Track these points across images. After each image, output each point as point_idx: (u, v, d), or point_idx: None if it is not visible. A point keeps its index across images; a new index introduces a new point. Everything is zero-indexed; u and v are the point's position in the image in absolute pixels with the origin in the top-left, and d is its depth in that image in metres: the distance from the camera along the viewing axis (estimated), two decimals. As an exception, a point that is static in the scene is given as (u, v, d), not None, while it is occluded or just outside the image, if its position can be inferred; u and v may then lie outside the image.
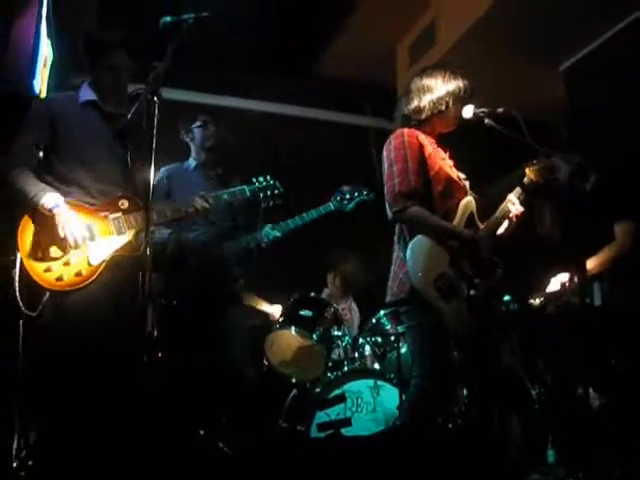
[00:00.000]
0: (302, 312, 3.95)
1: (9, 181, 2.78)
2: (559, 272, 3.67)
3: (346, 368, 3.91)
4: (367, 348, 4.07)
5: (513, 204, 2.81)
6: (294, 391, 3.87)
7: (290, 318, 3.98)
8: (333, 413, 3.51)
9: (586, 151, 3.67)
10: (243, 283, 3.88)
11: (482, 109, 2.85)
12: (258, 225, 3.68)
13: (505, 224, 2.84)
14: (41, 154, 2.88)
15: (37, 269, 2.69)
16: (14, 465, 2.85)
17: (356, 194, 3.81)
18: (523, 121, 2.78)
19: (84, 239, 2.73)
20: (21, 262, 2.72)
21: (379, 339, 4.10)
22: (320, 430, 3.40)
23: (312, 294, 4.15)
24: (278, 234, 3.71)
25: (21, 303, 2.71)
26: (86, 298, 2.71)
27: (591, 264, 3.46)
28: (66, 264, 2.72)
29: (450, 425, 3.04)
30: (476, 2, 4.83)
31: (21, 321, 2.95)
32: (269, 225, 3.70)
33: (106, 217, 2.82)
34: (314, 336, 3.87)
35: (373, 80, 5.88)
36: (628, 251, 3.48)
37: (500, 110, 2.85)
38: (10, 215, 2.82)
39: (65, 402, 2.61)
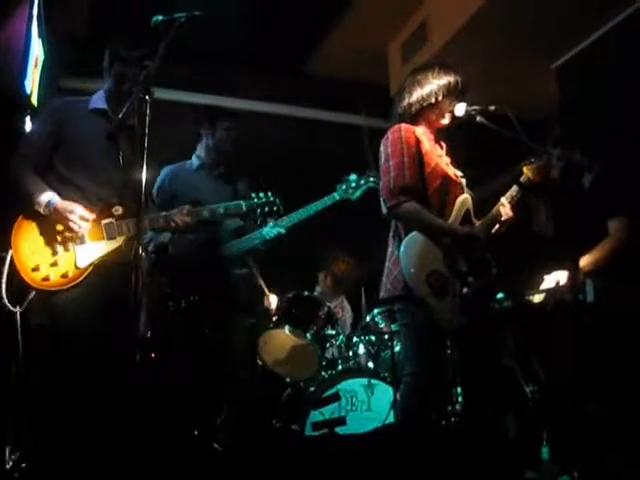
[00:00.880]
0: (295, 311, 3.94)
1: (12, 178, 2.83)
2: (553, 269, 3.67)
3: (340, 367, 3.92)
4: (361, 347, 4.07)
5: (504, 207, 2.81)
6: (288, 390, 3.86)
7: (284, 317, 3.97)
8: (327, 412, 3.52)
9: (579, 148, 3.65)
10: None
11: (474, 107, 2.85)
12: (261, 224, 3.65)
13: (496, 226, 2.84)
14: (46, 155, 2.90)
15: (26, 267, 2.72)
16: (7, 467, 2.85)
17: (362, 181, 3.79)
18: (515, 119, 2.79)
19: (87, 220, 2.76)
20: (11, 259, 2.74)
21: (373, 338, 4.11)
22: (314, 429, 3.40)
23: (306, 293, 4.14)
24: (282, 231, 3.70)
25: (6, 300, 2.73)
26: (74, 300, 2.72)
27: (585, 261, 3.46)
28: (53, 265, 2.75)
29: (444, 422, 3.03)
30: (468, 0, 4.83)
31: (18, 321, 2.94)
32: (271, 223, 3.67)
33: (98, 222, 2.83)
34: (308, 335, 3.88)
35: (365, 79, 5.88)
36: (623, 246, 3.47)
37: (492, 108, 2.85)
38: (7, 211, 2.85)
39: (58, 402, 2.61)
